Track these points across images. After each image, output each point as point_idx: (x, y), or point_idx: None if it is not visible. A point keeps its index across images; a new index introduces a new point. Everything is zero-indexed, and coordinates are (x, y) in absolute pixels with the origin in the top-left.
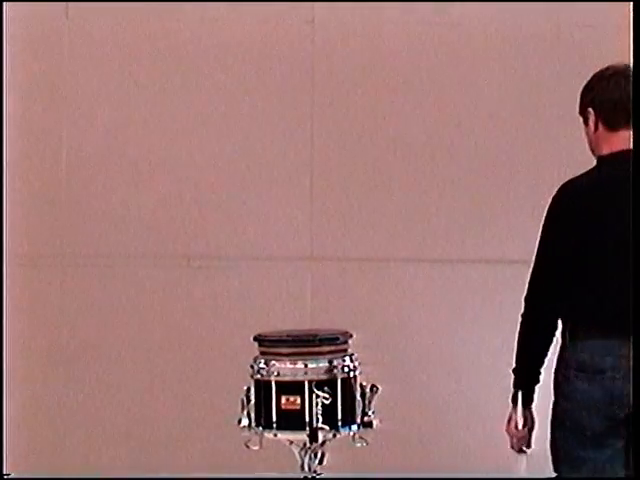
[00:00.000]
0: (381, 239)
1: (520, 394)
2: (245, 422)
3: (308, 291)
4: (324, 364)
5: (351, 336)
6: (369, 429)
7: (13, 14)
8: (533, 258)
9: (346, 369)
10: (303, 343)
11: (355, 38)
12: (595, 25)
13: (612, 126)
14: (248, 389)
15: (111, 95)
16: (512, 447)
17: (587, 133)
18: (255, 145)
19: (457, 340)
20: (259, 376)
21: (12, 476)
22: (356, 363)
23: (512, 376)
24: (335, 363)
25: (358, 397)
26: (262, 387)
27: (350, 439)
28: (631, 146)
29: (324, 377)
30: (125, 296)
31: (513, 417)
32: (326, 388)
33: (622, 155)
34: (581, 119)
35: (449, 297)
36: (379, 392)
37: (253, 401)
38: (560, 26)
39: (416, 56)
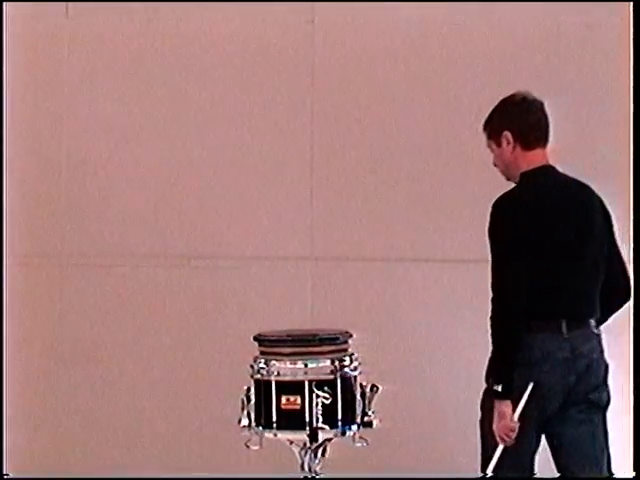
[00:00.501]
0: (381, 239)
1: (501, 387)
2: (245, 422)
3: (308, 291)
4: (324, 364)
5: (351, 336)
6: (369, 429)
7: (13, 14)
8: (493, 265)
9: (346, 369)
10: (303, 343)
11: (355, 38)
12: (595, 25)
13: (528, 145)
14: (248, 389)
15: (111, 95)
16: (503, 442)
17: (500, 154)
18: (255, 145)
19: (457, 340)
20: (259, 376)
21: (11, 476)
22: (356, 363)
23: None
24: (335, 363)
25: (358, 397)
26: (262, 387)
27: (350, 439)
28: (547, 162)
29: (324, 377)
30: (125, 296)
31: (507, 412)
32: (326, 388)
33: (543, 169)
34: (489, 143)
35: (449, 297)
36: (379, 392)
37: (253, 401)
38: (560, 26)
39: (416, 56)
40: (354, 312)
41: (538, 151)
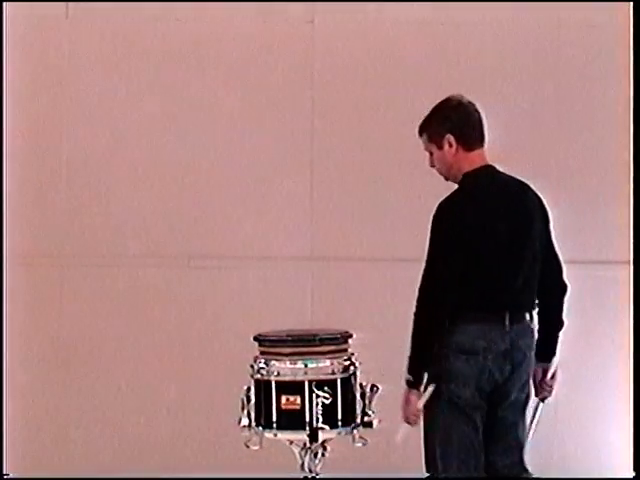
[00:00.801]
0: (381, 239)
1: (413, 378)
2: (245, 422)
3: (308, 291)
4: (324, 364)
5: (351, 336)
6: (369, 429)
7: (13, 14)
8: (429, 265)
9: (346, 369)
10: (303, 343)
11: (355, 38)
12: (595, 25)
13: (470, 146)
14: (248, 389)
15: (111, 95)
16: (409, 423)
17: (442, 156)
18: (255, 145)
19: None
20: (259, 376)
21: (11, 476)
22: (356, 363)
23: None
24: (335, 363)
25: (358, 397)
26: (262, 387)
27: (350, 439)
28: (486, 161)
29: (324, 377)
30: (125, 296)
31: (413, 399)
32: (326, 388)
33: (484, 169)
34: (428, 146)
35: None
36: (379, 392)
37: (253, 401)
38: (560, 26)
39: (416, 56)
40: (354, 312)
41: (478, 151)
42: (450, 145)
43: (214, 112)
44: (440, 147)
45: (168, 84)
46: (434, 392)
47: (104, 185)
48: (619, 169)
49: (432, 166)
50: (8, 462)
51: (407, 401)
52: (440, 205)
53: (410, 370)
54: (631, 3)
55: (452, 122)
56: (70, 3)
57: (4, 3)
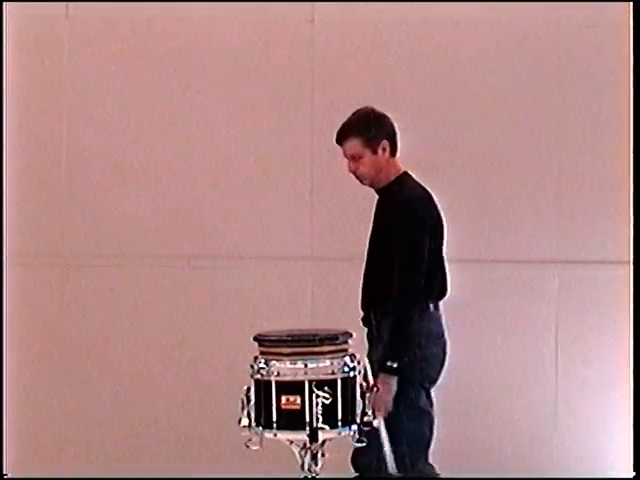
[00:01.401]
0: None
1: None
2: (245, 422)
3: (308, 291)
4: (324, 364)
5: (351, 336)
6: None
7: (13, 14)
8: (402, 257)
9: (346, 369)
10: (303, 343)
11: (355, 38)
12: (595, 25)
13: (395, 153)
14: (248, 389)
15: (111, 95)
16: (380, 411)
17: (374, 161)
18: (255, 145)
19: (455, 338)
20: (259, 376)
21: (11, 476)
22: (356, 363)
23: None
24: (335, 363)
25: (358, 397)
26: (262, 387)
27: (350, 439)
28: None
29: (324, 377)
30: (125, 296)
31: (394, 387)
32: (326, 388)
33: (407, 174)
34: (361, 151)
35: (446, 296)
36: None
37: (253, 401)
38: (560, 26)
39: (416, 56)
40: (354, 312)
41: (396, 158)
42: (384, 150)
43: (214, 112)
44: (375, 152)
45: (168, 84)
46: (408, 379)
47: (104, 185)
48: (619, 169)
49: (352, 170)
50: (8, 462)
51: (389, 390)
52: (411, 200)
53: (396, 357)
54: (631, 3)
55: (386, 129)
56: (70, 3)
57: (4, 3)
